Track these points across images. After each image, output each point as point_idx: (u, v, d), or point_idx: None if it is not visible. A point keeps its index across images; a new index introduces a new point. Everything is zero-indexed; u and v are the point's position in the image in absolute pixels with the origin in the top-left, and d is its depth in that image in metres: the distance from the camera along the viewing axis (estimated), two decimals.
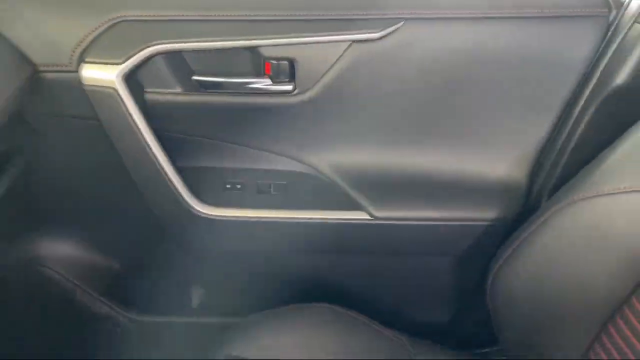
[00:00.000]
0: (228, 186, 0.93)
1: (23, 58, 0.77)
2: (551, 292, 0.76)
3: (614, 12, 0.82)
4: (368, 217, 0.91)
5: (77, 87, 0.78)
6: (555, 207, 0.76)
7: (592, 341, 0.70)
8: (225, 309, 1.00)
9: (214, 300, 1.10)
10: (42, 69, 0.78)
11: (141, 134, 0.82)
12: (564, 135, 0.88)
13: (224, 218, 0.89)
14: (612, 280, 0.68)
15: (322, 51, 0.83)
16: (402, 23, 0.80)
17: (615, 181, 0.69)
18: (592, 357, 0.70)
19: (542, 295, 0.77)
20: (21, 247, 0.97)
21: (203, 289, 1.13)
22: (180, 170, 0.89)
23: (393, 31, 0.81)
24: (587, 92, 0.85)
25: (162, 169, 0.86)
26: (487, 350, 1.01)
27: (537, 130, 0.89)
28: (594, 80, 0.84)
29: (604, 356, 0.67)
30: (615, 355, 0.65)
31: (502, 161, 0.92)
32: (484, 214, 0.92)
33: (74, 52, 0.78)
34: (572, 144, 0.88)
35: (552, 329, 0.76)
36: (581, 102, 0.86)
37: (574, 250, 0.73)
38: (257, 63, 0.84)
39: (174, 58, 0.83)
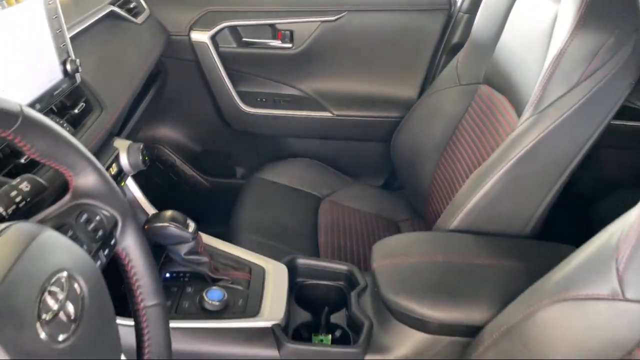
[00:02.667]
0: (258, 99, 1.71)
1: (163, 28, 1.57)
2: (415, 144, 1.50)
3: (453, 7, 1.58)
4: (330, 114, 1.68)
5: (188, 44, 1.58)
6: (416, 103, 1.52)
7: (435, 167, 1.43)
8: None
9: (249, 172, 1.88)
10: (171, 34, 1.58)
11: (219, 69, 1.61)
12: (433, 70, 1.64)
13: (257, 113, 1.68)
14: (440, 137, 1.42)
15: (307, 26, 1.61)
16: (345, 12, 1.58)
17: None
18: (436, 175, 1.42)
19: (411, 148, 1.51)
20: (149, 132, 1.78)
21: (242, 168, 1.91)
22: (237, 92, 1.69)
23: (340, 17, 1.58)
24: (440, 50, 1.62)
25: (228, 88, 1.65)
26: (397, 191, 1.75)
27: (418, 70, 1.65)
28: (442, 43, 1.61)
29: (442, 170, 1.40)
30: (447, 168, 1.37)
31: (402, 86, 1.68)
32: (394, 114, 1.67)
33: (187, 25, 1.58)
34: (432, 73, 1.63)
35: (417, 163, 1.50)
36: (437, 55, 1.62)
37: (423, 123, 1.49)
38: (274, 32, 1.63)
39: (233, 29, 1.62)
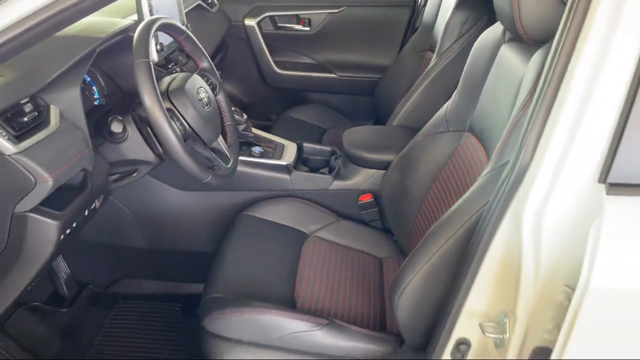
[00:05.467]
0: (287, 65, 2.46)
1: (227, 16, 2.34)
2: (388, 95, 2.22)
3: (416, 3, 2.30)
4: (334, 75, 2.42)
5: (243, 27, 2.35)
6: (390, 67, 2.24)
7: (400, 109, 2.15)
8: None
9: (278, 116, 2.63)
10: (232, 21, 2.35)
11: (262, 44, 2.38)
12: (402, 45, 2.36)
13: (286, 74, 2.43)
14: (403, 89, 2.14)
15: (320, 16, 2.36)
16: (344, 7, 2.32)
17: None
18: (399, 112, 2.14)
19: (386, 97, 2.23)
20: None
21: (275, 114, 2.64)
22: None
23: (342, 10, 2.32)
24: (408, 33, 2.33)
25: (268, 56, 2.41)
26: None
27: (393, 45, 2.37)
28: (409, 28, 2.32)
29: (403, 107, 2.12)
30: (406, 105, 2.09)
31: (382, 56, 2.39)
32: (376, 75, 2.38)
33: (242, 15, 2.34)
34: (402, 47, 2.35)
35: (389, 107, 2.22)
36: (407, 35, 2.33)
37: (393, 80, 2.20)
38: (298, 20, 2.38)
39: (272, 18, 2.39)
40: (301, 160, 1.76)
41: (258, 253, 1.40)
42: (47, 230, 0.97)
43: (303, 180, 1.62)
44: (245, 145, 1.70)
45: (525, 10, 0.96)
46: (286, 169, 1.62)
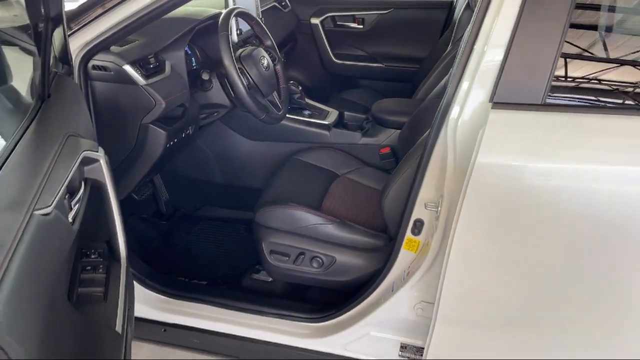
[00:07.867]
0: (343, 56, 2.93)
1: (296, 15, 2.84)
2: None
3: (452, 4, 2.68)
4: (382, 65, 2.85)
5: (309, 25, 2.85)
6: (425, 59, 2.65)
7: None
8: None
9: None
10: (300, 19, 2.86)
11: (323, 39, 2.87)
12: (439, 40, 2.75)
13: (342, 63, 2.89)
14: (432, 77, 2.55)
15: (371, 16, 2.80)
16: (392, 9, 2.75)
17: None
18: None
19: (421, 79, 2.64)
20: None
21: (330, 96, 3.12)
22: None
23: (389, 11, 2.76)
24: (444, 30, 2.71)
25: (328, 48, 2.89)
26: None
27: (431, 41, 2.76)
28: (446, 26, 2.70)
29: None
30: None
31: (421, 49, 2.79)
32: (416, 65, 2.78)
33: (309, 15, 2.85)
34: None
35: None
36: (443, 32, 2.72)
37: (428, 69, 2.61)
38: (353, 19, 2.84)
39: (333, 17, 2.86)
40: (341, 124, 2.21)
41: (299, 180, 1.87)
42: (159, 137, 1.50)
43: (339, 135, 2.07)
44: (298, 109, 2.18)
45: None
46: (327, 127, 2.08)
